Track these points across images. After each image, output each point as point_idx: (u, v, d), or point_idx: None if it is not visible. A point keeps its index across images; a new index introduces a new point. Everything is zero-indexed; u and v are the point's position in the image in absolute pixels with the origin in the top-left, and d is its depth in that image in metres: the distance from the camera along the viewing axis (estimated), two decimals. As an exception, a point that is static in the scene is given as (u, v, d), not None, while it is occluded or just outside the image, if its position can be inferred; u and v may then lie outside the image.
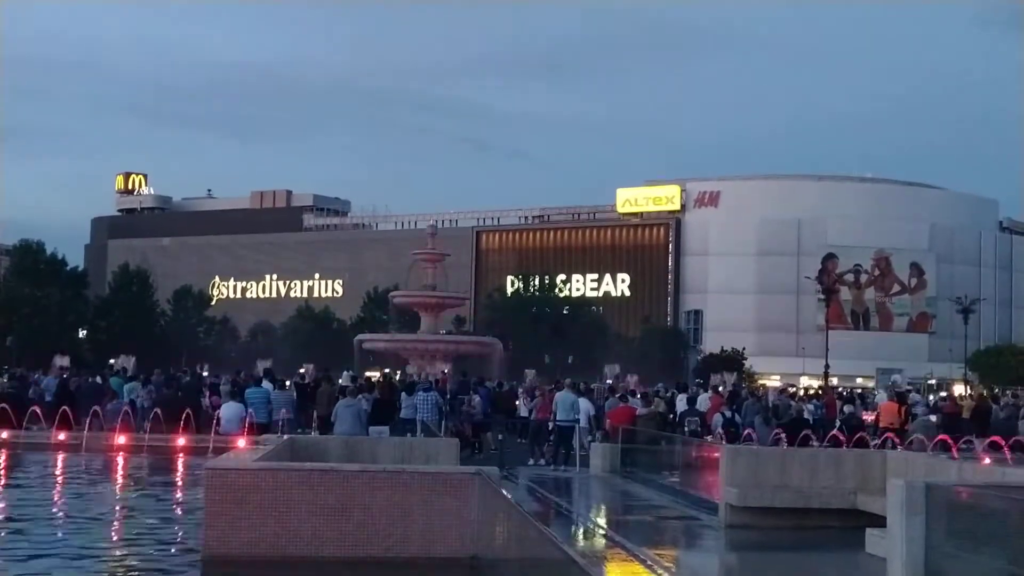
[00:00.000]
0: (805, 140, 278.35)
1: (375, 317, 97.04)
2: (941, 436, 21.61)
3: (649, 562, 12.20)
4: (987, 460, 16.95)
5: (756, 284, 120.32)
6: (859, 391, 56.37)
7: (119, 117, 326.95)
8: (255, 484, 11.12)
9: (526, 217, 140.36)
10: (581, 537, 14.89)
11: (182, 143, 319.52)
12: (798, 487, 15.59)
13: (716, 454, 17.44)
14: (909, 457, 16.49)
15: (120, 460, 20.38)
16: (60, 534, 12.89)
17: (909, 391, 43.76)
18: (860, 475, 15.61)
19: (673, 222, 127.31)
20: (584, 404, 26.04)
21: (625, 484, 21.25)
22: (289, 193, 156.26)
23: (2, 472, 18.59)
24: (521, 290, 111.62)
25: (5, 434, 21.05)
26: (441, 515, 11.14)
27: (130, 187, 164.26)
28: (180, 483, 18.11)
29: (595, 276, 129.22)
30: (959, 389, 75.94)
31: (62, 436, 21.45)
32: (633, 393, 31.37)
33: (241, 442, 17.71)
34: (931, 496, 9.87)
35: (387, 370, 55.51)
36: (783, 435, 22.82)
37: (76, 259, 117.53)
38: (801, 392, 46.96)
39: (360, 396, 25.55)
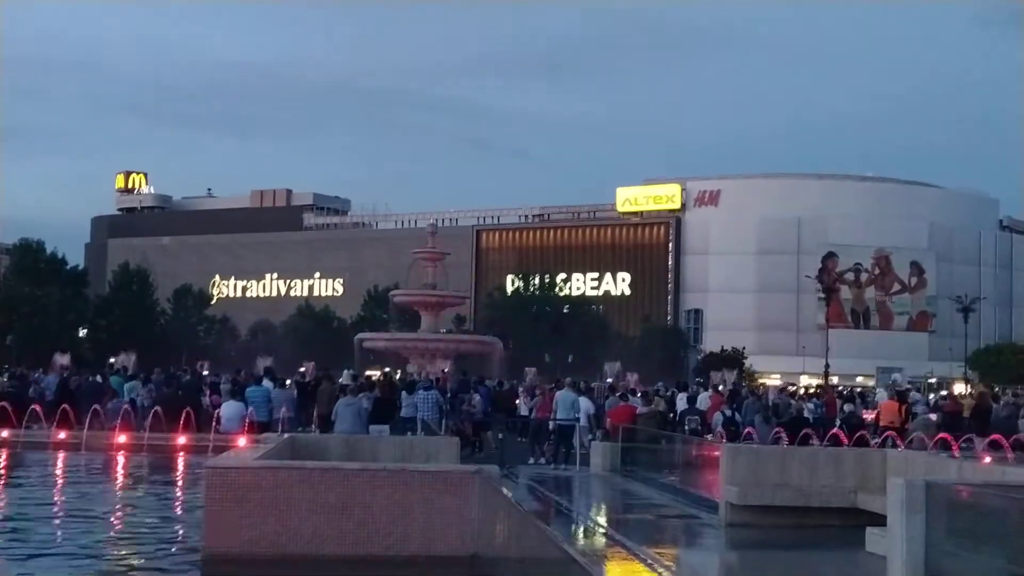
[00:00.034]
0: (805, 139, 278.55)
1: (375, 316, 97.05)
2: (941, 435, 21.63)
3: (649, 561, 12.19)
4: (987, 459, 16.95)
5: (756, 283, 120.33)
6: (859, 390, 56.36)
7: (119, 117, 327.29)
8: (256, 483, 11.12)
9: (526, 216, 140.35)
10: (581, 536, 14.89)
11: (182, 142, 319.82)
12: (798, 486, 15.58)
13: (716, 453, 17.43)
14: (909, 456, 16.48)
15: (120, 459, 20.39)
16: (60, 533, 12.89)
17: (909, 390, 43.75)
18: (860, 474, 15.60)
19: (673, 221, 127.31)
20: (584, 403, 26.05)
21: (625, 483, 21.25)
22: (289, 192, 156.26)
23: (2, 471, 18.58)
24: (521, 289, 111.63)
25: (5, 433, 21.06)
26: (441, 514, 11.14)
27: (130, 186, 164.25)
28: (180, 482, 18.11)
29: (595, 275, 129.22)
30: (959, 388, 75.96)
31: (62, 435, 21.46)
32: (633, 392, 31.37)
33: (241, 441, 17.72)
34: (931, 495, 9.86)
35: (387, 369, 55.46)
36: (783, 434, 22.83)
37: (76, 258, 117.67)
38: (801, 391, 46.95)
39: (361, 395, 25.57)
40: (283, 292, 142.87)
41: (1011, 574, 9.14)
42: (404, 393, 26.79)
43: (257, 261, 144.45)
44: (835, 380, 78.11)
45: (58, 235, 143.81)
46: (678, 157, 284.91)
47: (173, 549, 11.94)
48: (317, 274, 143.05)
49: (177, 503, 15.61)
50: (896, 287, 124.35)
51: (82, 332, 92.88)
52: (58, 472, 19.06)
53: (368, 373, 48.51)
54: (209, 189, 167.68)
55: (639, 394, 30.48)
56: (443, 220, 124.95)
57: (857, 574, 12.83)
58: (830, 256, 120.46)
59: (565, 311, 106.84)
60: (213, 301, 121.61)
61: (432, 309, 64.28)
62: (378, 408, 25.47)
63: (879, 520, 12.18)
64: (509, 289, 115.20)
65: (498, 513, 10.02)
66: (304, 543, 10.98)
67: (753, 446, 20.59)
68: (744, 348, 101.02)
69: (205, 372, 45.40)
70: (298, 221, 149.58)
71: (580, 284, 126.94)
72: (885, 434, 24.62)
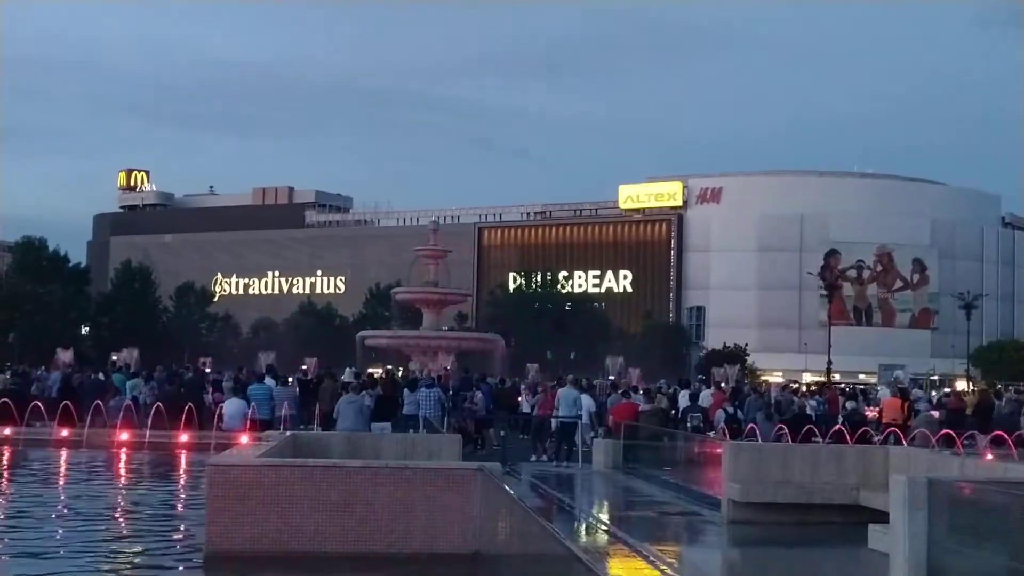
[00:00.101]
0: (806, 137, 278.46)
1: (377, 313, 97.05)
2: (944, 431, 21.62)
3: (652, 558, 12.20)
4: (990, 456, 16.93)
5: (758, 280, 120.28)
6: (861, 387, 56.35)
7: (120, 116, 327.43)
8: (258, 480, 11.12)
9: (528, 213, 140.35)
10: (584, 533, 14.89)
11: (183, 141, 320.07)
12: (800, 483, 15.58)
13: (718, 450, 17.44)
14: (911, 453, 16.47)
15: (122, 456, 20.39)
16: (62, 531, 12.89)
17: (911, 387, 43.72)
18: (862, 471, 15.60)
19: (675, 218, 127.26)
20: (586, 400, 26.07)
21: (627, 480, 21.25)
22: (291, 190, 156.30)
23: (4, 469, 18.58)
24: (523, 286, 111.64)
25: (7, 431, 21.06)
26: (443, 511, 11.14)
27: (132, 184, 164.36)
28: (182, 479, 18.11)
29: (597, 272, 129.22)
30: (961, 385, 75.93)
31: (64, 432, 21.46)
32: (636, 389, 31.40)
33: (244, 438, 17.72)
34: (933, 492, 9.86)
35: (389, 366, 55.50)
36: (785, 431, 22.83)
37: (78, 256, 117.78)
38: (803, 388, 46.92)
39: (363, 392, 25.58)
40: (285, 290, 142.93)
41: (1013, 570, 9.13)
42: (406, 391, 26.77)
43: (259, 259, 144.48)
44: (837, 377, 78.06)
45: (60, 233, 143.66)
46: (680, 155, 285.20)
47: (175, 546, 11.94)
48: (319, 272, 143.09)
49: (179, 501, 15.61)
50: (898, 284, 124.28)
51: (84, 330, 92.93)
52: (59, 470, 19.06)
53: (370, 371, 48.53)
54: (211, 187, 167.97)
55: (641, 391, 30.49)
56: (445, 218, 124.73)
57: (859, 571, 12.83)
58: (832, 253, 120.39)
59: (567, 308, 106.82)
60: (215, 299, 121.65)
61: (434, 307, 64.29)
62: (380, 406, 25.50)
63: (881, 517, 12.17)
64: (511, 287, 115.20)
65: (500, 510, 10.01)
66: (306, 540, 10.98)
67: (755, 443, 20.58)
68: (746, 345, 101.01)
69: (207, 370, 45.39)
70: (300, 219, 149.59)
71: (582, 281, 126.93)
72: (888, 431, 24.61)
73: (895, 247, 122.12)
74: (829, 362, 79.22)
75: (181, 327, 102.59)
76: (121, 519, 13.95)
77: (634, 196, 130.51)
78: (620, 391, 29.02)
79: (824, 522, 15.07)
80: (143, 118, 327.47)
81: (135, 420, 22.64)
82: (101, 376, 32.99)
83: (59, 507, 14.65)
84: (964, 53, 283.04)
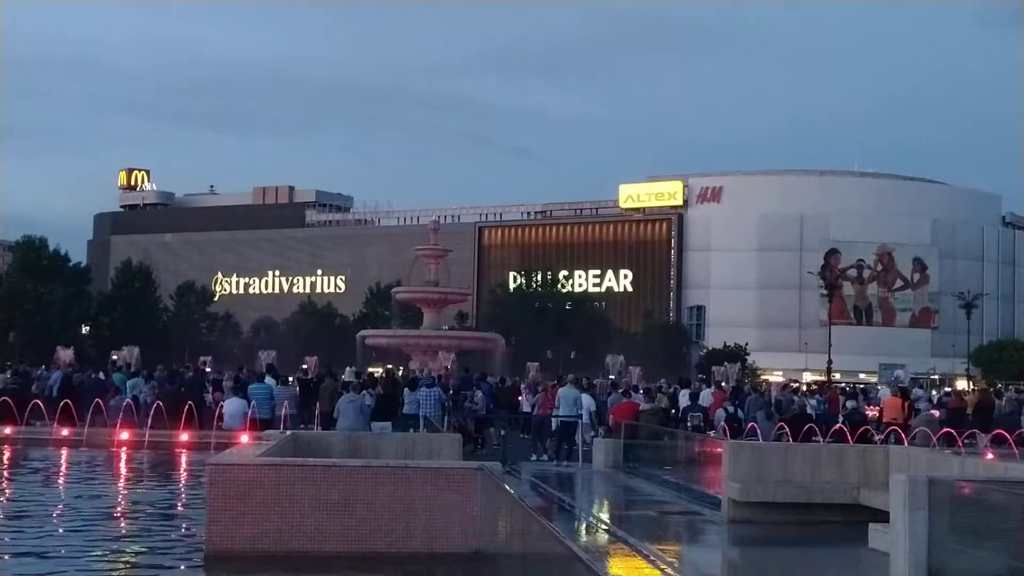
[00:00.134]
0: (807, 136, 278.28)
1: (377, 313, 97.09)
2: (945, 430, 21.61)
3: (652, 557, 12.20)
4: (990, 455, 16.93)
5: (758, 279, 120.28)
6: (861, 386, 56.37)
7: (121, 115, 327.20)
8: (258, 479, 11.12)
9: (528, 213, 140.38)
10: (584, 532, 14.89)
11: (184, 140, 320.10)
12: (801, 482, 15.58)
13: (719, 449, 17.44)
14: (912, 452, 16.47)
15: (123, 456, 20.39)
16: (61, 531, 12.89)
17: (911, 387, 43.72)
18: (863, 470, 15.59)
19: (675, 217, 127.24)
20: (586, 400, 26.06)
21: (628, 479, 21.25)
22: (291, 189, 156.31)
23: (3, 468, 18.58)
24: (523, 286, 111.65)
25: (8, 430, 21.05)
26: (444, 510, 11.13)
27: (133, 183, 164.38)
28: (183, 479, 18.11)
29: (597, 272, 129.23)
30: (962, 384, 75.95)
31: (64, 432, 21.46)
32: (636, 388, 31.41)
33: (244, 438, 17.72)
34: (934, 491, 9.86)
35: (390, 366, 55.51)
36: (786, 430, 22.82)
37: (79, 255, 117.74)
38: (804, 388, 46.91)
39: (364, 392, 25.59)
40: (285, 289, 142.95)
41: (1013, 569, 9.13)
42: (406, 390, 26.77)
43: (259, 258, 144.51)
44: (837, 376, 78.09)
45: (61, 232, 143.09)
46: (680, 154, 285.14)
47: (176, 546, 11.94)
48: (319, 271, 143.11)
49: (179, 500, 15.61)
50: (899, 283, 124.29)
51: (85, 329, 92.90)
52: (59, 469, 19.06)
53: (370, 370, 48.56)
54: (211, 186, 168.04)
55: (641, 391, 30.49)
56: (445, 217, 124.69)
57: (860, 570, 12.82)
58: (832, 252, 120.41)
59: (567, 308, 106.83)
60: (216, 298, 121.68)
61: (434, 306, 64.30)
62: (380, 405, 25.51)
63: (882, 516, 12.17)
64: (511, 286, 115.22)
65: (500, 510, 10.00)
66: (307, 540, 10.98)
67: (756, 443, 20.56)
68: (746, 344, 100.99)
69: (208, 369, 45.37)
70: (300, 218, 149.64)
71: (582, 281, 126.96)
72: (888, 430, 24.61)
73: (895, 246, 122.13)
74: (829, 361, 79.25)
75: (181, 326, 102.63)
76: (121, 519, 13.94)
77: (634, 195, 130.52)
78: (620, 390, 29.03)
79: (824, 521, 15.06)
80: (144, 117, 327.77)
81: (135, 419, 22.64)
82: (101, 375, 32.98)
83: (59, 507, 14.64)
84: (965, 52, 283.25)
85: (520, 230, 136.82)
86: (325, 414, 25.26)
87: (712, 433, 24.61)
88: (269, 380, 26.78)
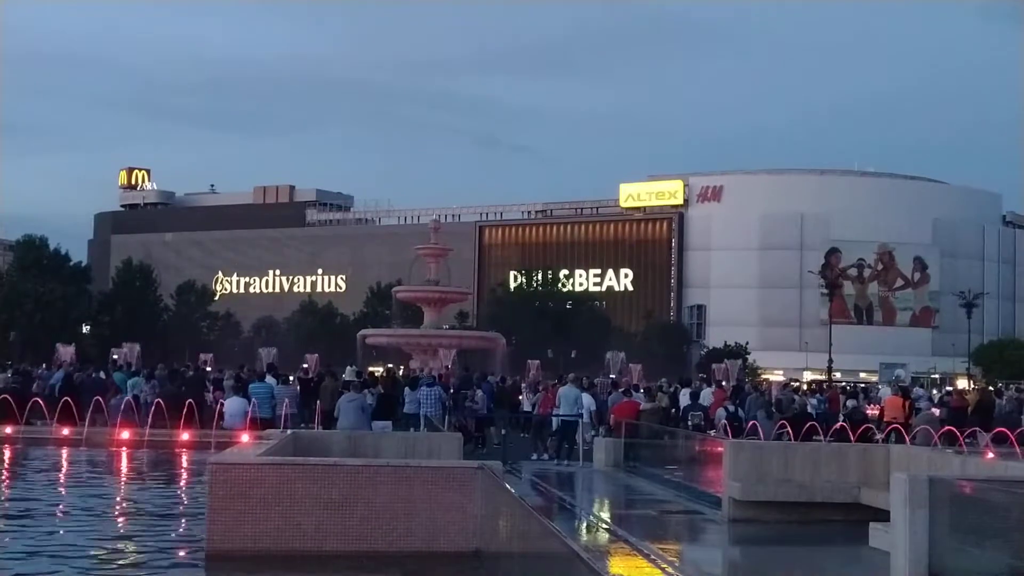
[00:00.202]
0: (808, 135, 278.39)
1: (378, 312, 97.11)
2: (946, 428, 21.60)
3: (653, 556, 12.19)
4: (991, 454, 16.92)
5: (759, 278, 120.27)
6: (862, 386, 56.37)
7: (121, 113, 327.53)
8: (258, 479, 11.10)
9: (529, 212, 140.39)
10: (585, 531, 14.89)
11: (184, 139, 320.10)
12: (801, 481, 15.57)
13: (719, 448, 17.43)
14: (912, 451, 16.46)
15: (123, 455, 20.36)
16: (61, 530, 12.87)
17: (912, 386, 43.71)
18: (863, 469, 15.59)
19: (676, 217, 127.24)
20: (587, 399, 26.06)
21: (628, 478, 21.25)
22: (292, 188, 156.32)
23: (3, 467, 18.56)
24: (524, 285, 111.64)
25: (8, 429, 21.02)
26: (444, 509, 11.12)
27: (133, 182, 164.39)
28: (183, 478, 18.09)
29: (598, 271, 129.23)
30: (962, 383, 75.93)
31: (64, 431, 21.42)
32: (636, 388, 31.40)
33: (244, 437, 17.70)
34: (934, 490, 9.85)
35: (390, 365, 55.56)
36: (787, 429, 22.80)
37: (79, 254, 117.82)
38: (804, 387, 46.92)
39: (364, 391, 25.56)
40: (286, 288, 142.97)
41: (1014, 568, 9.12)
42: (407, 389, 26.78)
43: (260, 257, 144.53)
44: (838, 376, 78.09)
45: (61, 231, 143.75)
46: (681, 153, 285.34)
47: (176, 545, 11.92)
48: (320, 270, 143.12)
49: (179, 499, 15.59)
50: (899, 283, 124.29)
51: (85, 328, 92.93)
52: (59, 468, 19.04)
53: (371, 369, 48.57)
54: (212, 185, 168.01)
55: (642, 390, 30.47)
56: (446, 216, 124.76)
57: (860, 569, 12.81)
58: (833, 252, 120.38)
59: (568, 307, 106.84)
60: (216, 297, 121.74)
61: (435, 305, 64.28)
62: (381, 404, 25.50)
63: (882, 516, 12.16)
64: (512, 285, 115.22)
65: (501, 509, 10.00)
66: (307, 539, 10.97)
67: (756, 442, 20.57)
68: (747, 344, 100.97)
69: (208, 368, 45.38)
70: (301, 217, 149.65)
71: (583, 280, 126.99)
72: (889, 429, 24.61)
73: (896, 245, 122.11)
74: (830, 360, 79.24)
75: (182, 325, 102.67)
76: (121, 518, 13.93)
77: (635, 194, 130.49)
78: (621, 389, 29.03)
79: (825, 520, 15.06)
80: (144, 117, 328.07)
81: (136, 418, 22.61)
82: (102, 374, 32.95)
83: (59, 506, 14.63)
84: (967, 49, 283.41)
85: (520, 229, 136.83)
86: (326, 413, 25.26)
87: (713, 432, 24.61)
88: (270, 379, 26.77)
